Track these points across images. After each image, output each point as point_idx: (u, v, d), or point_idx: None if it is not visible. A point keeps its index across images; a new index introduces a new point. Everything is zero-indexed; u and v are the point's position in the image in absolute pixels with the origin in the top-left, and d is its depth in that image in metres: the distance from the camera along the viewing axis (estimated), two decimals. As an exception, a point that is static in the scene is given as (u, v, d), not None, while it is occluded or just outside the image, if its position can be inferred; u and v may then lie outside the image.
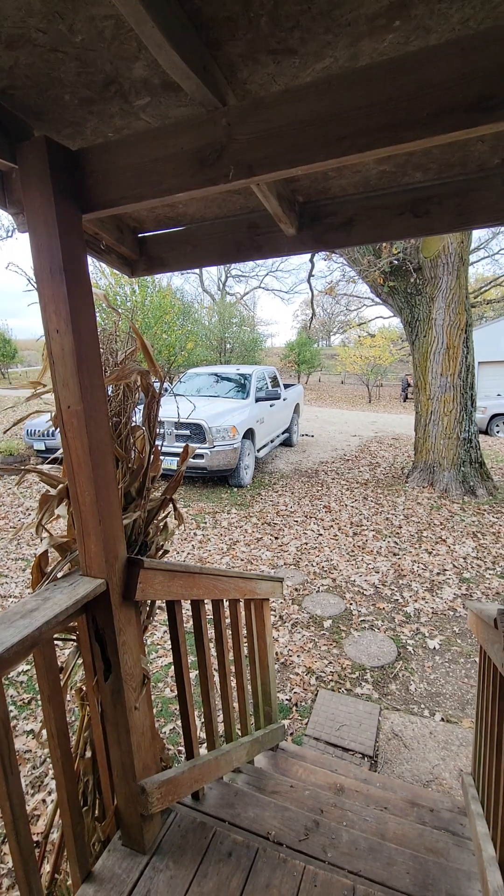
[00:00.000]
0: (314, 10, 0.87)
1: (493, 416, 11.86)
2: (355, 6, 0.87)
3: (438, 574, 4.43)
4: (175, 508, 1.55)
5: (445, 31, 0.93)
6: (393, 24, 0.90)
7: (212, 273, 33.27)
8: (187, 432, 6.67)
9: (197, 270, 30.20)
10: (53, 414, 1.24)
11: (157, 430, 1.45)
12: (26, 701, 2.86)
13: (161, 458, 1.58)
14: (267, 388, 8.68)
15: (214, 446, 6.59)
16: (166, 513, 1.54)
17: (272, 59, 0.99)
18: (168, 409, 6.12)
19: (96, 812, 1.51)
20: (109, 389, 1.40)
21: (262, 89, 1.09)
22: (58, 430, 1.26)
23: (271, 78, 1.05)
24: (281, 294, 45.20)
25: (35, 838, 1.91)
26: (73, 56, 1.00)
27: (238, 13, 0.89)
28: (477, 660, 3.14)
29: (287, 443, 10.16)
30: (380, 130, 0.93)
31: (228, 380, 8.60)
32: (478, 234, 19.83)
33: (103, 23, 0.91)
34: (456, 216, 1.44)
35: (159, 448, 1.48)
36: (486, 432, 11.77)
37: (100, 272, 12.56)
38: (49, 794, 2.23)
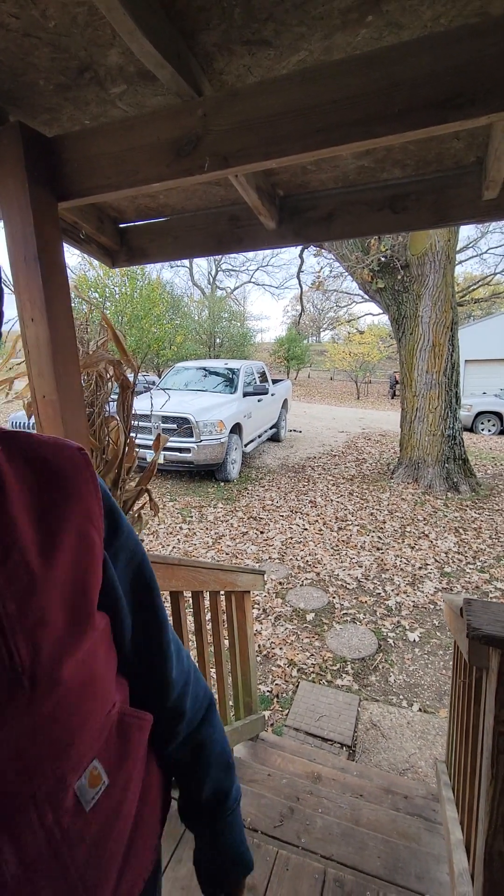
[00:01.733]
0: (287, 3, 0.87)
1: (479, 414, 12.02)
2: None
3: (420, 568, 4.50)
4: (150, 499, 1.56)
5: (417, 28, 0.94)
6: (365, 19, 0.91)
7: (202, 267, 33.06)
8: (174, 426, 6.66)
9: (186, 263, 29.98)
10: (27, 403, 1.23)
11: (142, 423, 1.45)
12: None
13: (143, 450, 1.58)
14: (255, 383, 8.67)
15: (202, 440, 6.58)
16: (142, 504, 1.54)
17: (247, 51, 0.99)
18: (155, 404, 6.10)
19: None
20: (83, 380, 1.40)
21: (238, 80, 1.09)
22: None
23: (247, 69, 1.05)
24: (271, 289, 45.19)
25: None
26: (47, 41, 0.99)
27: (211, 2, 0.89)
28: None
29: (274, 438, 10.18)
30: (353, 124, 0.94)
31: (216, 374, 8.58)
32: (466, 233, 19.98)
33: (76, 9, 0.91)
34: (433, 212, 1.46)
35: (134, 439, 1.48)
36: (471, 430, 11.93)
37: (88, 264, 12.41)
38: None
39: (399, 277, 6.71)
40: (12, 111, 1.20)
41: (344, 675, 3.07)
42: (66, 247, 1.39)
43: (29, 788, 0.40)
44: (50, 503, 0.46)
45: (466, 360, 15.82)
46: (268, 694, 2.91)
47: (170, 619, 1.70)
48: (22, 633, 0.40)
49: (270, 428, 9.57)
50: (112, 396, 1.50)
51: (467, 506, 6.09)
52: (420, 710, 2.80)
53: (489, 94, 0.85)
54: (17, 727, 0.40)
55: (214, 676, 2.11)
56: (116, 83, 1.10)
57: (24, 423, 7.52)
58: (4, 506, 0.43)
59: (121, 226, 1.84)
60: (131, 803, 0.51)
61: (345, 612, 3.79)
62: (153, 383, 9.71)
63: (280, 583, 4.26)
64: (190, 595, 1.84)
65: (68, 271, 1.28)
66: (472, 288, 15.74)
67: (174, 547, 4.96)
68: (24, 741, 0.40)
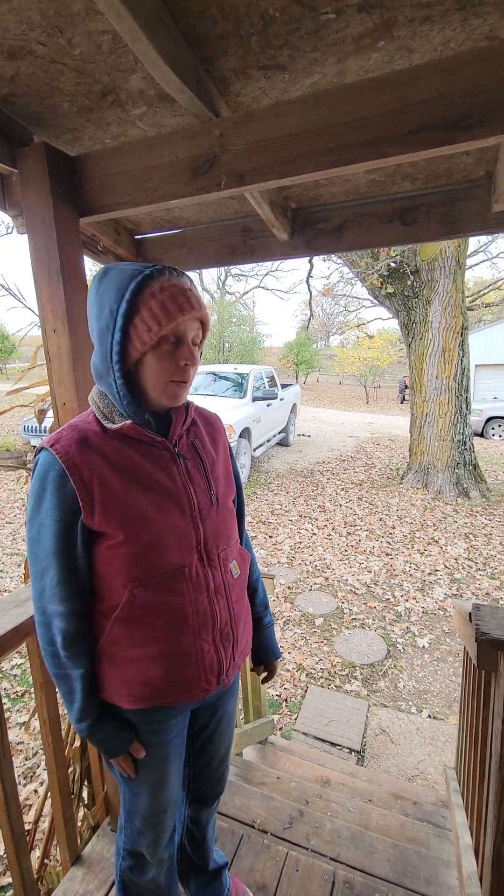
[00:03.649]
0: (302, 30, 0.91)
1: (489, 419, 11.93)
2: (341, 27, 0.91)
3: (430, 574, 4.49)
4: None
5: (428, 52, 0.97)
6: (377, 44, 0.95)
7: (211, 272, 33.26)
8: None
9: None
10: (38, 410, 1.28)
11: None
12: (20, 694, 2.90)
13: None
14: (264, 387, 8.72)
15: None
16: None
17: (263, 74, 1.04)
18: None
19: (85, 799, 1.55)
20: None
21: (254, 102, 1.13)
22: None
23: (262, 91, 1.09)
24: (280, 294, 45.30)
25: (26, 827, 1.95)
26: (72, 67, 1.04)
27: (230, 31, 0.93)
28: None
29: (283, 442, 10.21)
30: (364, 145, 0.97)
31: (226, 379, 8.63)
32: (476, 238, 19.84)
33: (101, 37, 0.95)
34: (443, 225, 1.48)
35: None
36: (481, 435, 11.85)
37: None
38: (41, 783, 2.27)
39: (409, 283, 6.73)
40: (37, 132, 1.26)
41: (353, 681, 3.08)
42: (85, 259, 1.44)
43: (217, 549, 0.93)
44: (212, 433, 1.02)
45: (477, 365, 15.70)
46: (276, 698, 2.92)
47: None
48: (213, 480, 0.95)
49: (279, 432, 9.60)
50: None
51: (477, 511, 6.06)
52: (429, 716, 2.80)
53: (497, 115, 0.88)
54: (213, 519, 0.92)
55: (235, 701, 2.13)
56: (137, 105, 1.15)
57: (37, 428, 7.64)
58: (200, 432, 0.98)
59: (137, 237, 1.89)
60: (245, 592, 1.04)
61: (353, 617, 3.79)
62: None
63: (289, 587, 4.28)
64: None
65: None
66: (482, 292, 15.61)
67: (184, 550, 4.99)
68: (215, 526, 0.93)
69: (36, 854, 1.69)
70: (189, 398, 0.95)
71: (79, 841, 1.44)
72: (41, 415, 2.24)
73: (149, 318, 0.78)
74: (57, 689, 0.89)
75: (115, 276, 0.81)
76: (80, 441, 0.81)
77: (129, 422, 0.82)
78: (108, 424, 0.83)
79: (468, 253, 7.65)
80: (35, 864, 1.60)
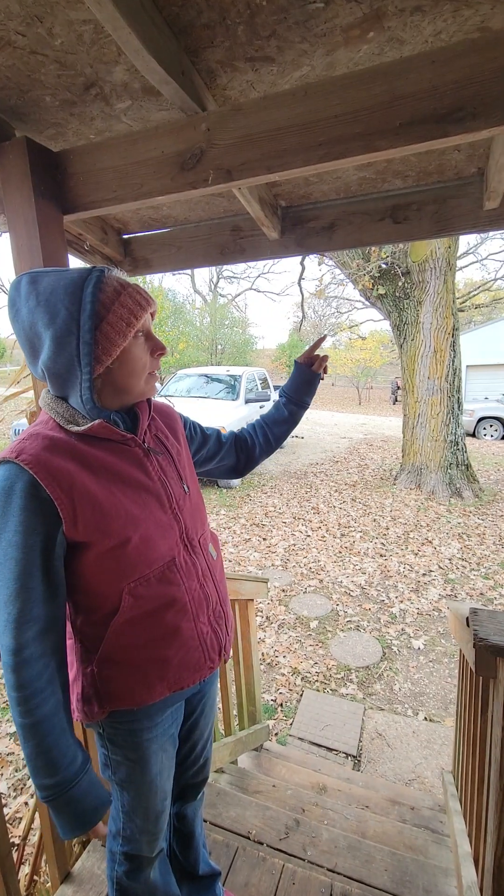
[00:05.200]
0: (290, 20, 0.89)
1: (481, 419, 11.99)
2: (330, 17, 0.89)
3: (424, 575, 4.48)
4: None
5: (419, 44, 0.95)
6: (367, 35, 0.92)
7: (203, 274, 33.21)
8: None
9: (188, 271, 30.10)
10: (29, 412, 1.24)
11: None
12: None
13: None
14: (257, 389, 8.70)
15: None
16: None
17: (251, 66, 1.01)
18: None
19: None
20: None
21: (241, 95, 1.11)
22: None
23: (250, 85, 1.07)
24: (272, 296, 45.41)
25: (15, 841, 1.90)
26: (53, 59, 1.00)
27: (215, 20, 0.90)
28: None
29: (277, 444, 10.18)
30: (354, 139, 0.95)
31: (218, 381, 8.60)
32: (466, 239, 19.99)
33: (82, 27, 0.92)
34: (434, 223, 1.47)
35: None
36: (473, 435, 11.90)
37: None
38: (31, 795, 2.22)
39: (400, 284, 6.74)
40: (19, 126, 1.22)
41: (348, 684, 3.05)
42: (70, 258, 1.41)
43: (196, 535, 0.95)
44: (170, 424, 1.02)
45: (468, 366, 15.80)
46: (272, 703, 2.89)
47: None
48: (182, 469, 0.96)
49: (272, 434, 9.56)
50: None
51: (471, 512, 6.07)
52: (425, 718, 2.77)
53: (490, 107, 0.86)
54: (189, 508, 0.94)
55: (217, 685, 2.10)
56: (121, 99, 1.11)
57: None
58: (159, 424, 0.98)
59: (124, 236, 1.86)
60: (223, 573, 1.05)
61: (349, 619, 3.77)
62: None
63: (283, 590, 4.24)
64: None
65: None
66: (472, 294, 15.73)
67: (177, 554, 4.94)
68: (191, 513, 0.95)
69: (25, 871, 1.64)
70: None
71: (69, 857, 1.40)
72: (33, 417, 2.19)
73: (124, 314, 0.77)
74: (23, 748, 0.75)
75: (56, 280, 0.75)
76: (49, 448, 0.76)
77: (98, 421, 0.79)
78: (73, 428, 0.80)
79: (458, 254, 7.69)
80: (24, 881, 1.56)
